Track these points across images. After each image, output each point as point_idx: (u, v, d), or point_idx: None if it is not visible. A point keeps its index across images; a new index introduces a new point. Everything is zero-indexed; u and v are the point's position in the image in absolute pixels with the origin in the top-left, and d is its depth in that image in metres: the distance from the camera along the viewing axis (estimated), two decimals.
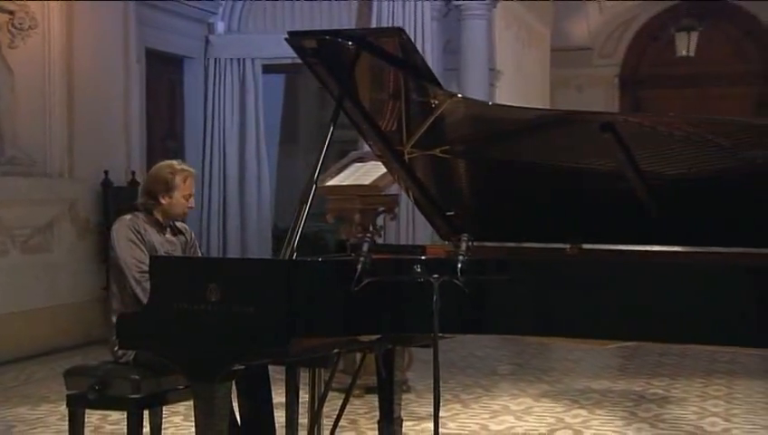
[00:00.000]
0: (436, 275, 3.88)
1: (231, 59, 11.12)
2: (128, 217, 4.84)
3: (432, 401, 6.38)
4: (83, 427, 4.86)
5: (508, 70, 12.44)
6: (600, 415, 6.21)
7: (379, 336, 4.38)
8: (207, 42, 11.19)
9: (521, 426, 5.93)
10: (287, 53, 11.42)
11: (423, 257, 4.29)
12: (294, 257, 4.07)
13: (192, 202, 4.90)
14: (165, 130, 10.91)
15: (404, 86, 4.63)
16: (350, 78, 4.45)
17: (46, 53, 8.77)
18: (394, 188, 6.99)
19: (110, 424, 5.92)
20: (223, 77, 11.08)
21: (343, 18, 10.91)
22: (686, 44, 15.37)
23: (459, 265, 3.92)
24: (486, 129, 4.76)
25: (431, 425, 6.02)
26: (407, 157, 4.79)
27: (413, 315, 4.06)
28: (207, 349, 4.12)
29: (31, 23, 8.66)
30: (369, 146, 4.93)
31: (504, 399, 6.65)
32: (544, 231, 4.77)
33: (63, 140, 8.96)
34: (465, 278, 3.92)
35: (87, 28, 9.19)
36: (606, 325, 4.14)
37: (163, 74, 10.79)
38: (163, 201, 4.80)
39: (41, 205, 8.77)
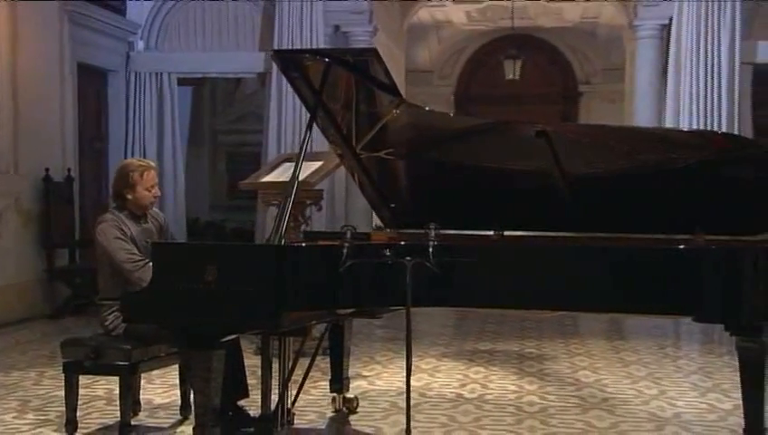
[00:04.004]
0: (408, 258, 3.78)
1: (149, 73, 10.71)
2: (109, 216, 4.60)
3: (359, 362, 6.31)
4: (78, 390, 4.66)
5: None
6: (495, 371, 6.21)
7: (353, 310, 4.25)
8: (129, 57, 10.75)
9: (436, 382, 5.87)
10: (197, 69, 11.26)
11: (402, 243, 4.14)
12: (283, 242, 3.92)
13: (156, 191, 4.67)
14: (92, 133, 10.42)
15: (356, 96, 4.52)
16: (321, 90, 4.29)
17: None
18: (321, 185, 6.85)
19: (82, 388, 5.53)
20: (142, 88, 10.65)
21: (248, 43, 10.64)
22: (512, 69, 15.64)
23: (431, 250, 3.84)
24: (428, 134, 4.69)
25: (362, 383, 5.95)
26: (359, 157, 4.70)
27: (389, 292, 3.94)
28: (207, 322, 3.93)
29: None
30: (332, 147, 4.79)
31: (413, 360, 6.54)
32: (473, 220, 4.71)
33: (10, 141, 8.45)
34: (436, 260, 3.84)
35: (29, 45, 8.71)
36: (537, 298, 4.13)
37: (91, 85, 10.30)
38: (129, 197, 4.59)
39: None
